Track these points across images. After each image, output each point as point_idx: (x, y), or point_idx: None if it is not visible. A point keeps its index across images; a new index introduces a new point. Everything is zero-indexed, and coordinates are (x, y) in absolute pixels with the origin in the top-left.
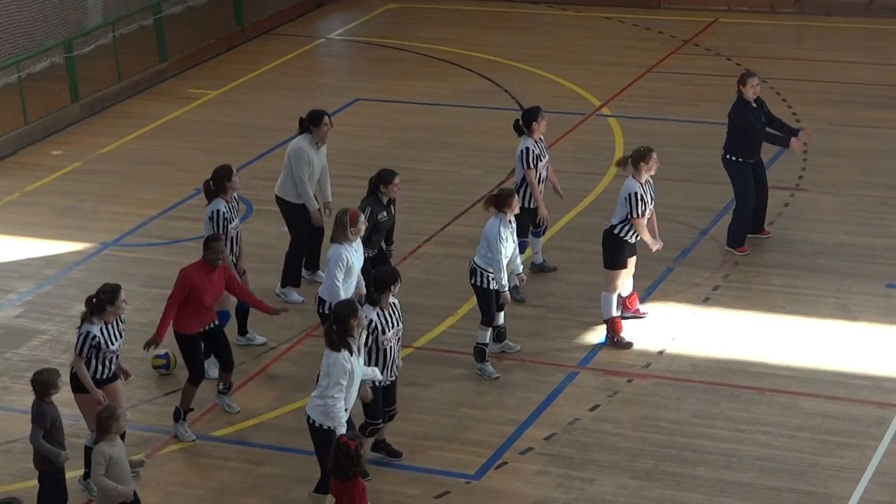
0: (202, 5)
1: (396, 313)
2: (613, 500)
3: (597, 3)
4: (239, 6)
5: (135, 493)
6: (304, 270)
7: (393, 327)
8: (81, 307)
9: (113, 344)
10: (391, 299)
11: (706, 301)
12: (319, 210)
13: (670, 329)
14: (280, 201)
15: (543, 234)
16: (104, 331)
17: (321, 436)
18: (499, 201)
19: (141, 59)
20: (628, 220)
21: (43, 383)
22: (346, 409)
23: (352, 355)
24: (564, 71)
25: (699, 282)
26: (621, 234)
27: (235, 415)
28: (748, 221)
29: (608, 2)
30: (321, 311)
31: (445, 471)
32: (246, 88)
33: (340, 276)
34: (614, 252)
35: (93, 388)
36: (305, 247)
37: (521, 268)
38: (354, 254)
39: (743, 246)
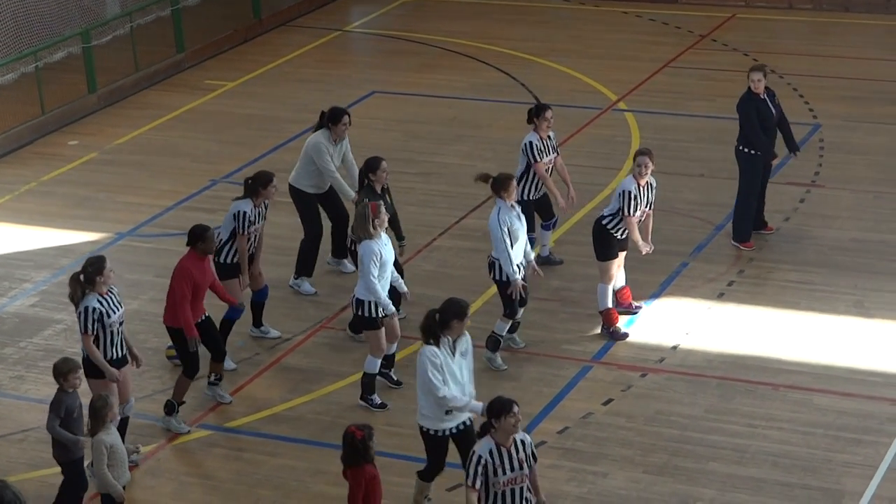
0: None
1: (521, 454)
2: (626, 494)
3: None
4: None
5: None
6: (331, 258)
7: (511, 471)
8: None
9: (114, 314)
10: (518, 436)
11: (721, 296)
12: (310, 201)
13: (684, 324)
14: (294, 190)
15: (554, 227)
16: (101, 302)
17: (427, 439)
18: (497, 185)
19: (158, 50)
20: (618, 215)
21: (59, 372)
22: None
23: (442, 352)
24: (581, 65)
25: (714, 277)
26: (609, 227)
27: (249, 406)
28: (752, 215)
29: None
30: (361, 313)
31: (457, 463)
32: (263, 80)
33: (376, 272)
34: (603, 245)
35: (106, 367)
36: (319, 238)
37: (531, 255)
38: (385, 247)
39: (749, 241)
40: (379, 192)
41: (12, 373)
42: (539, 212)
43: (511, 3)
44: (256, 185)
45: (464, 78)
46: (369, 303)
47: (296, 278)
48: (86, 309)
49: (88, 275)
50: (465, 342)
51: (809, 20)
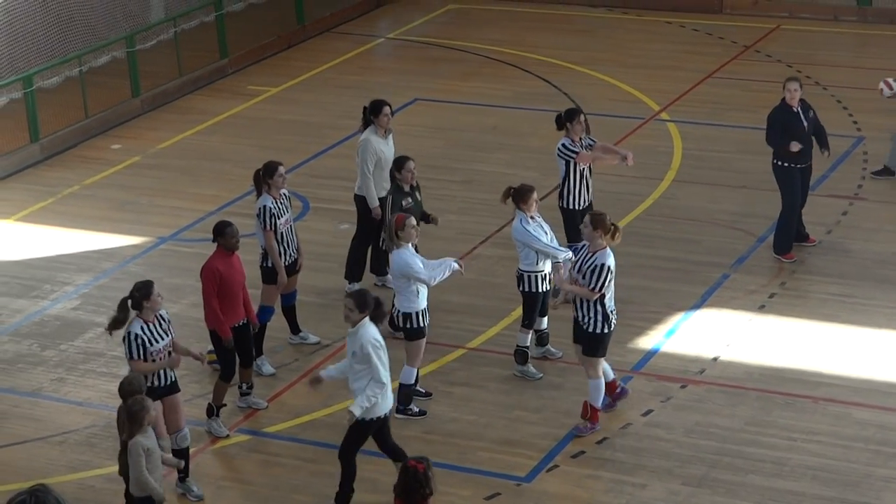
0: (263, 3)
1: None
2: None
3: (657, 8)
4: (300, 4)
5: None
6: (376, 278)
7: None
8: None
9: (157, 342)
10: None
11: (762, 308)
12: (381, 206)
13: (725, 336)
14: (357, 199)
15: None
16: (145, 329)
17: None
18: (516, 196)
19: (202, 56)
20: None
21: (129, 392)
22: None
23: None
24: (624, 75)
25: (755, 289)
26: None
27: (287, 412)
28: (794, 228)
29: (669, 6)
30: (410, 325)
31: (496, 472)
32: (305, 86)
33: (422, 266)
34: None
35: (156, 367)
36: (368, 245)
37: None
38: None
39: (790, 253)
40: (406, 190)
41: (53, 375)
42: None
43: (554, 12)
44: (265, 177)
45: (506, 86)
46: (417, 314)
47: (349, 281)
48: (128, 334)
49: (136, 300)
50: (357, 342)
51: (854, 32)
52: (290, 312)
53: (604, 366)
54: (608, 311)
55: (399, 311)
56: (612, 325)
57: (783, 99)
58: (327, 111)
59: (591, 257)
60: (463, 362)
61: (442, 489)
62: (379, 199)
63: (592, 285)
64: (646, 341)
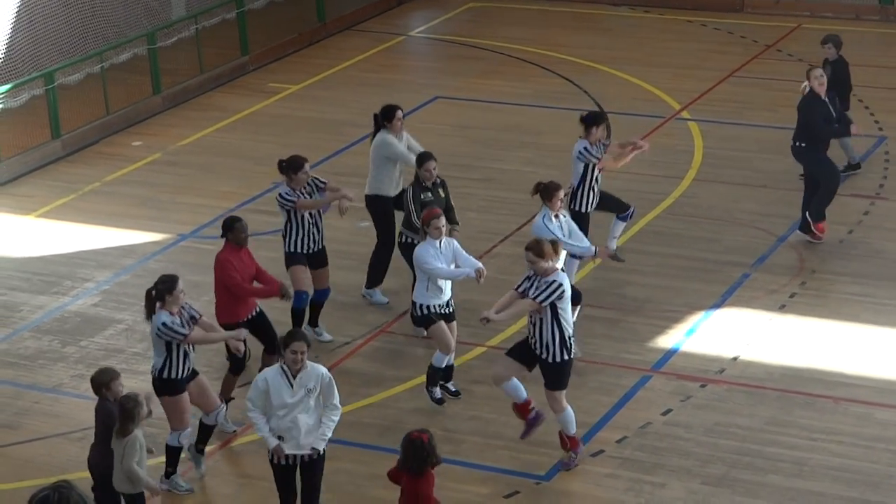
0: (284, 0)
1: None
2: None
3: (679, 7)
4: (321, 1)
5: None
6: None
7: None
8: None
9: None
10: None
11: (782, 308)
12: (396, 202)
13: (745, 335)
14: (371, 199)
15: (630, 218)
16: (174, 318)
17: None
18: (544, 192)
19: (223, 53)
20: None
21: (95, 382)
22: None
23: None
24: (645, 73)
25: (776, 288)
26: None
27: None
28: (832, 198)
29: (690, 5)
30: (419, 314)
31: (516, 471)
32: (326, 84)
33: (438, 262)
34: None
35: (222, 334)
36: (392, 249)
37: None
38: (441, 251)
39: (821, 223)
40: (428, 186)
41: (73, 371)
42: (609, 209)
43: (575, 10)
44: (288, 171)
45: (527, 84)
46: (421, 305)
47: (368, 288)
48: (164, 325)
49: (159, 291)
50: (313, 377)
51: (876, 31)
52: (316, 308)
53: (517, 384)
54: (566, 337)
55: (412, 299)
56: (573, 352)
57: (810, 90)
58: (348, 109)
59: (543, 280)
60: (483, 360)
61: (461, 487)
62: (389, 198)
63: (536, 295)
64: (666, 340)
